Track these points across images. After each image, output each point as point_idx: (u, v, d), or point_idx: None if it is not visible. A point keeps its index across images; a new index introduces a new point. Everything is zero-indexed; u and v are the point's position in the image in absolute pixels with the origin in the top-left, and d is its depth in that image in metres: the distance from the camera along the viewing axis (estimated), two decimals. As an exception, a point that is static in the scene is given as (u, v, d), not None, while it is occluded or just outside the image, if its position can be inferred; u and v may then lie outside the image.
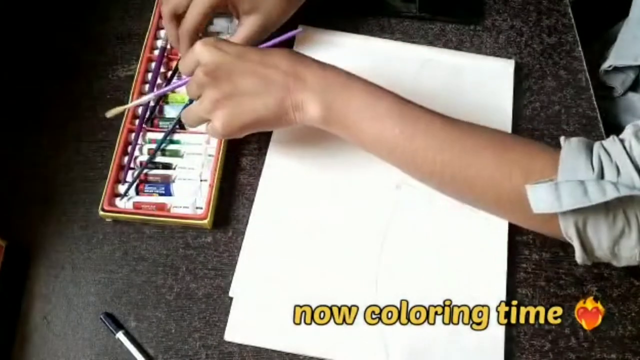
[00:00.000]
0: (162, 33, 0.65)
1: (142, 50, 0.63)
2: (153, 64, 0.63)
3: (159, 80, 0.62)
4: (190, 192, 0.57)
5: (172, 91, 0.61)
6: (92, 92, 0.64)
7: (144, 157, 0.59)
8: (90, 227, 0.58)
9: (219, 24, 0.66)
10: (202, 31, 0.59)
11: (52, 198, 0.59)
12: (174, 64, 0.63)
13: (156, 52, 0.63)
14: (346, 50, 0.65)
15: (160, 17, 0.66)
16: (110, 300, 0.55)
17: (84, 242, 0.57)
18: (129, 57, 0.66)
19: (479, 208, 0.54)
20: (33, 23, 0.68)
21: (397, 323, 0.53)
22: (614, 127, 0.67)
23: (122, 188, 0.57)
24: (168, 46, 0.64)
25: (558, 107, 0.63)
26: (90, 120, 0.62)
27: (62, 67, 0.66)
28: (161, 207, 0.56)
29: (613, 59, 0.67)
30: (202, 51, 0.51)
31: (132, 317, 0.54)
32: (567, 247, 0.57)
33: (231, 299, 0.54)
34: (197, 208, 0.57)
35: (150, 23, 0.65)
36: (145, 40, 0.64)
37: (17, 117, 0.63)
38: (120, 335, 0.52)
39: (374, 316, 0.53)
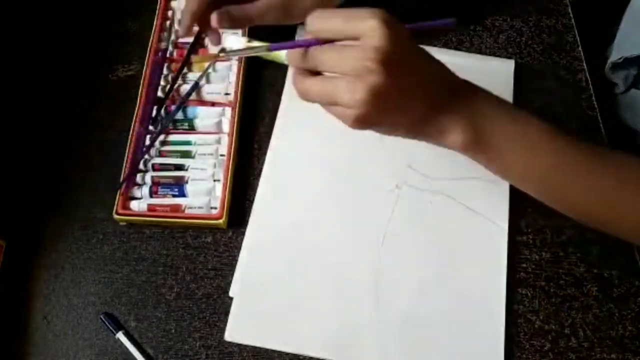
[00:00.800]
0: (166, 34, 0.65)
1: (148, 52, 0.63)
2: (159, 66, 0.63)
3: (162, 82, 0.62)
4: (204, 193, 0.57)
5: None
6: (92, 92, 0.64)
7: (156, 160, 0.59)
8: (90, 227, 0.58)
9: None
10: (202, 16, 0.56)
11: (52, 198, 0.59)
12: (178, 65, 0.63)
13: (162, 54, 0.64)
14: (346, 50, 0.65)
15: (163, 18, 0.66)
16: (110, 300, 0.55)
17: (84, 242, 0.57)
18: (129, 57, 0.66)
19: (629, 239, 0.52)
20: (33, 23, 0.68)
21: (397, 323, 0.53)
22: (617, 126, 0.67)
23: (135, 191, 0.58)
24: (169, 48, 0.64)
25: (558, 107, 0.63)
26: (90, 120, 0.63)
27: (62, 67, 0.66)
28: (176, 208, 0.56)
29: (621, 51, 0.66)
30: (381, 31, 0.40)
31: (132, 317, 0.54)
32: (567, 247, 0.57)
33: (231, 299, 0.54)
34: (211, 208, 0.57)
35: (154, 24, 0.65)
36: (150, 42, 0.64)
37: (17, 117, 0.63)
38: (120, 335, 0.52)
39: (373, 316, 0.53)
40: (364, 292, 0.54)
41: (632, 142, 0.69)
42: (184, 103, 0.60)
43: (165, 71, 0.63)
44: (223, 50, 0.47)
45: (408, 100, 0.43)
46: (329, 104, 0.44)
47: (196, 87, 0.61)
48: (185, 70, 0.62)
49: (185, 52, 0.63)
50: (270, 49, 0.47)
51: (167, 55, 0.64)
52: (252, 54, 0.49)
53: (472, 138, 0.45)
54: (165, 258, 0.56)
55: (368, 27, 0.40)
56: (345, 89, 0.41)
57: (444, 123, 0.44)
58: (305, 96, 0.45)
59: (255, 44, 0.48)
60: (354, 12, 0.41)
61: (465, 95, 0.45)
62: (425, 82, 0.43)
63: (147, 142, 0.60)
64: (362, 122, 0.43)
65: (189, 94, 0.61)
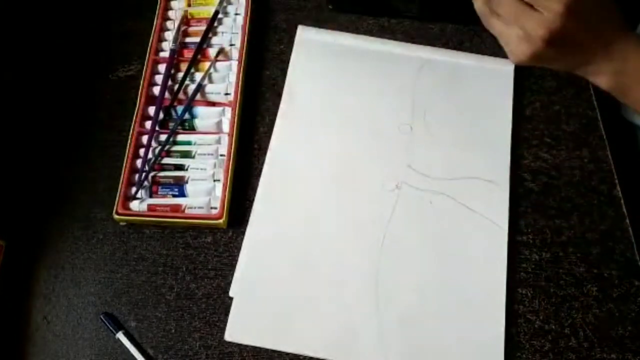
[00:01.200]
0: (166, 34, 0.65)
1: (148, 52, 0.63)
2: (159, 66, 0.63)
3: (169, 82, 0.62)
4: (204, 192, 0.57)
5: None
6: (92, 92, 0.64)
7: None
8: (90, 227, 0.58)
9: (224, 22, 0.66)
10: None
11: (52, 198, 0.59)
12: (182, 65, 0.63)
13: (162, 54, 0.64)
14: (346, 50, 0.66)
15: (163, 18, 0.66)
16: (110, 300, 0.55)
17: (84, 242, 0.57)
18: (129, 57, 0.66)
19: None
20: (33, 23, 0.68)
21: (397, 323, 0.53)
22: (617, 126, 0.67)
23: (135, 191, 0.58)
24: (177, 48, 0.64)
25: (558, 107, 0.63)
26: (90, 120, 0.63)
27: (62, 67, 0.66)
28: (176, 208, 0.56)
29: None
30: (560, 16, 0.47)
31: (132, 317, 0.54)
32: (567, 247, 0.57)
33: (231, 299, 0.54)
34: (211, 208, 0.57)
35: (154, 24, 0.65)
36: (150, 41, 0.64)
37: (16, 117, 0.63)
38: (120, 335, 0.53)
39: (373, 316, 0.53)
40: (364, 292, 0.54)
41: (633, 142, 0.69)
42: (191, 103, 0.60)
43: (171, 71, 0.63)
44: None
45: (563, 59, 0.50)
46: (499, 36, 0.51)
47: (200, 87, 0.61)
48: (185, 70, 0.63)
49: (187, 51, 0.64)
50: None
51: (175, 55, 0.64)
52: None
53: (615, 85, 0.51)
54: (165, 258, 0.56)
55: (552, 7, 0.47)
56: (514, 41, 0.49)
57: (594, 70, 0.51)
58: (484, 19, 0.52)
59: None
60: None
61: (616, 47, 0.50)
62: (580, 45, 0.49)
63: (154, 143, 0.60)
64: (519, 65, 0.52)
65: (194, 94, 0.61)
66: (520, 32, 0.49)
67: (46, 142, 0.62)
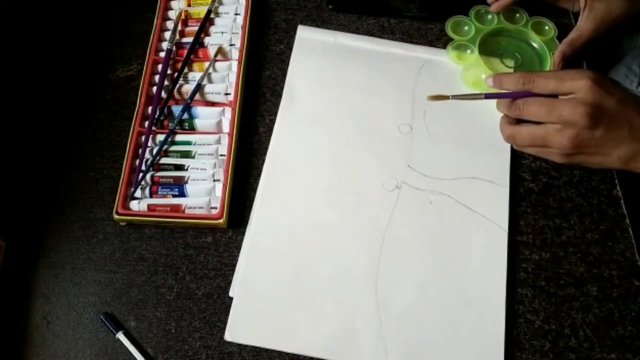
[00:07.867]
0: (166, 34, 0.65)
1: (148, 52, 0.63)
2: (159, 66, 0.63)
3: (166, 82, 0.62)
4: (204, 193, 0.57)
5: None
6: (92, 92, 0.64)
7: (156, 160, 0.59)
8: (90, 227, 0.58)
9: (224, 22, 0.66)
10: None
11: (52, 198, 0.59)
12: (179, 65, 0.63)
13: (162, 54, 0.64)
14: (346, 50, 0.66)
15: (163, 19, 0.66)
16: (110, 300, 0.55)
17: (84, 242, 0.57)
18: (129, 57, 0.66)
19: None
20: (34, 23, 0.68)
21: (397, 323, 0.53)
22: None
23: (136, 192, 0.58)
24: (173, 48, 0.64)
25: (558, 107, 0.63)
26: (90, 120, 0.63)
27: (62, 67, 0.66)
28: (176, 208, 0.56)
29: None
30: (591, 89, 0.49)
31: (132, 317, 0.54)
32: (567, 247, 0.57)
33: (231, 299, 0.54)
34: (211, 208, 0.57)
35: (154, 24, 0.65)
36: (150, 41, 0.64)
37: (16, 118, 0.63)
38: (120, 335, 0.52)
39: (373, 316, 0.53)
40: (363, 292, 0.54)
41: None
42: (189, 104, 0.60)
43: (169, 71, 0.63)
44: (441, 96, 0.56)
45: (612, 144, 0.49)
46: (536, 146, 0.52)
47: (199, 88, 0.61)
48: (185, 69, 0.63)
49: (186, 51, 0.64)
50: (485, 97, 0.55)
51: (171, 55, 0.64)
52: (470, 99, 0.56)
53: None
54: (165, 258, 0.56)
55: (581, 85, 0.49)
56: (554, 135, 0.50)
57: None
58: (513, 139, 0.54)
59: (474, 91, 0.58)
60: (567, 74, 0.50)
61: None
62: (628, 128, 0.49)
63: (150, 142, 0.60)
64: (569, 161, 0.52)
65: (193, 94, 0.61)
66: (557, 125, 0.50)
67: (46, 142, 0.62)
